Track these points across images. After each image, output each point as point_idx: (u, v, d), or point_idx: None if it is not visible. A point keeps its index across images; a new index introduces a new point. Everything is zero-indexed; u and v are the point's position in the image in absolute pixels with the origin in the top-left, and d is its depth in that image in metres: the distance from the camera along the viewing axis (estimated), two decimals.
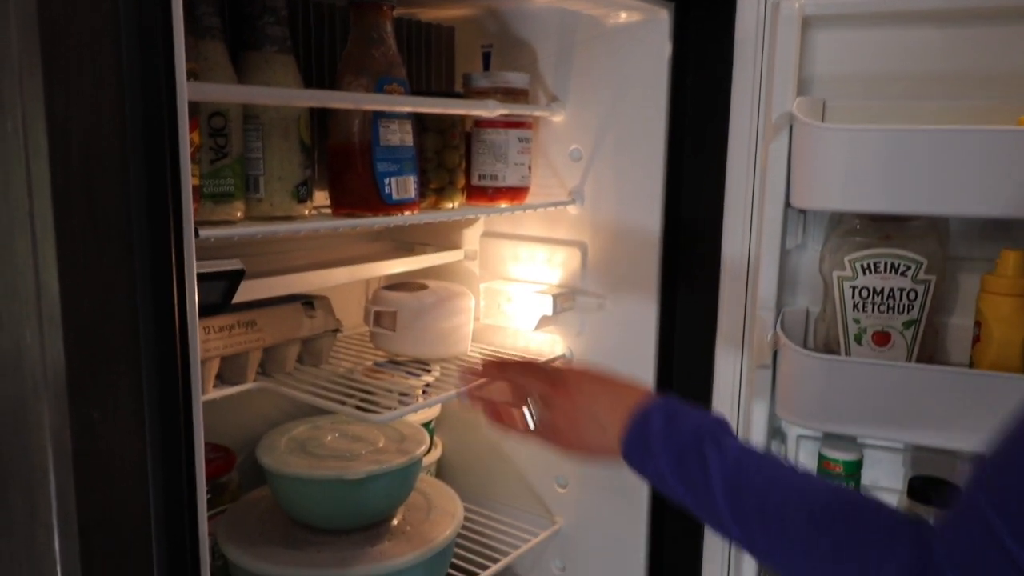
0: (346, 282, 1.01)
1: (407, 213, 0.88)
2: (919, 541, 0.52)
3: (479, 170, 1.03)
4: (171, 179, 0.45)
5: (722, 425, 0.65)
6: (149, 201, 0.44)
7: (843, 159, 0.79)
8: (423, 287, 1.02)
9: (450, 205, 0.99)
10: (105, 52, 0.41)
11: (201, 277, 0.60)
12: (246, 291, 0.87)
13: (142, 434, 0.44)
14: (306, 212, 0.83)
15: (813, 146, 0.81)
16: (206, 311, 0.64)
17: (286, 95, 0.77)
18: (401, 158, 0.87)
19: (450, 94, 1.01)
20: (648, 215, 1.02)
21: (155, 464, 0.45)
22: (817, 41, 0.91)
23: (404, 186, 0.87)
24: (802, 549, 0.56)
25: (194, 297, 0.50)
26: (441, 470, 1.25)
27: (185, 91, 0.49)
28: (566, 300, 1.08)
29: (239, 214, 0.76)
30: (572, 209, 1.09)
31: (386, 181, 0.85)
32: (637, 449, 0.66)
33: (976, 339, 0.84)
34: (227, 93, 0.70)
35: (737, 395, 0.93)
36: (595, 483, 1.10)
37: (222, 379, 0.89)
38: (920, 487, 0.89)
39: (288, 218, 0.81)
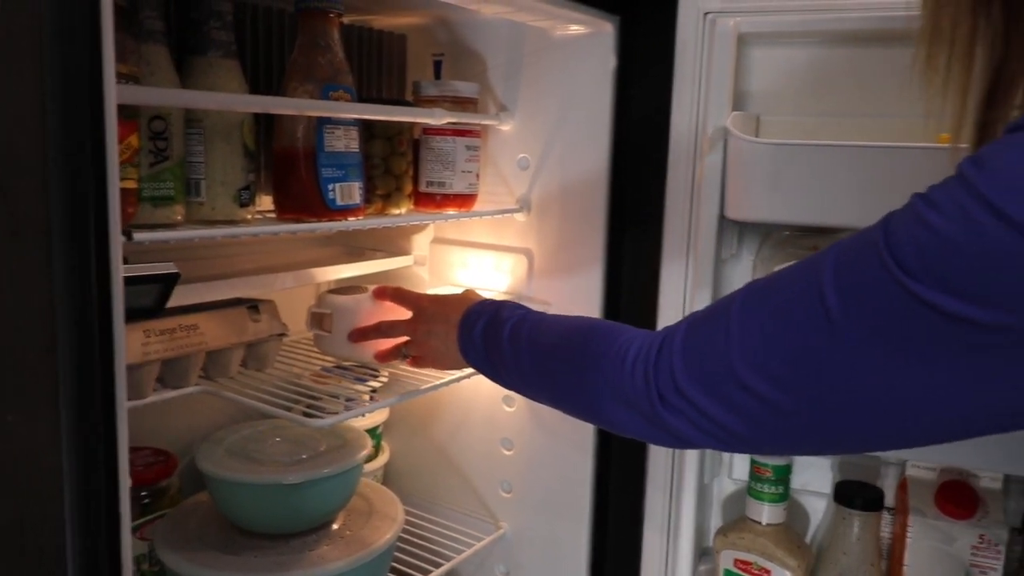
0: (293, 287, 1.01)
1: (352, 219, 0.88)
2: (656, 333, 0.61)
3: (427, 177, 1.04)
4: (94, 181, 0.46)
5: (519, 306, 0.80)
6: (71, 204, 0.44)
7: (771, 172, 0.82)
8: (363, 290, 1.03)
9: (397, 211, 1.00)
10: (25, 52, 0.42)
11: (132, 280, 0.60)
12: (190, 294, 0.87)
13: (58, 440, 0.44)
14: (249, 216, 0.83)
15: (744, 159, 0.84)
16: (139, 315, 0.65)
17: (223, 100, 0.77)
18: (346, 164, 0.88)
19: (397, 101, 1.02)
20: (592, 225, 1.04)
21: (71, 471, 0.45)
22: (753, 57, 0.94)
23: (349, 192, 0.88)
24: (560, 364, 0.69)
25: (120, 301, 0.50)
26: (388, 475, 1.25)
27: (113, 94, 0.49)
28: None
29: (179, 217, 0.76)
30: (519, 217, 1.10)
31: (330, 187, 0.86)
32: (471, 351, 0.80)
33: None
34: (162, 97, 0.70)
35: None
36: (539, 489, 1.12)
37: (163, 382, 0.89)
38: (846, 491, 0.92)
39: (230, 222, 0.81)
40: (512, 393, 1.12)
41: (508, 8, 0.94)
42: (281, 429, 0.96)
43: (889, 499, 0.94)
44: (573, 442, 1.07)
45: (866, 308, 0.46)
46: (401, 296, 0.96)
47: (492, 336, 0.77)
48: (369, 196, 0.95)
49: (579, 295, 1.06)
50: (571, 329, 0.70)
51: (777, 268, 0.89)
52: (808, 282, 0.49)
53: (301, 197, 0.85)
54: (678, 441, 0.58)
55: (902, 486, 0.91)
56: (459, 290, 1.11)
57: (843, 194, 0.81)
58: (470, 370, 0.97)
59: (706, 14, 0.92)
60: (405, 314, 0.94)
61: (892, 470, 0.93)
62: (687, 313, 0.95)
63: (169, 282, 0.62)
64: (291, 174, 0.85)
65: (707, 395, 0.53)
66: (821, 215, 0.82)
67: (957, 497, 0.84)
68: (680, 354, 0.56)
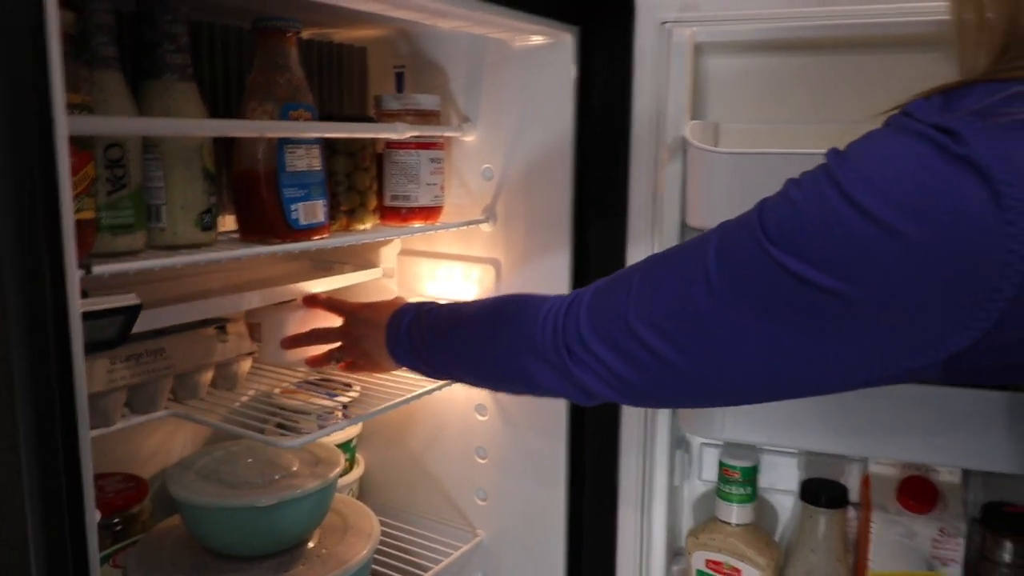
0: (261, 305, 1.01)
1: (316, 238, 0.88)
2: (567, 295, 0.68)
3: (391, 191, 1.04)
4: (47, 217, 0.46)
5: (437, 304, 0.85)
6: (22, 240, 0.44)
7: (729, 181, 0.83)
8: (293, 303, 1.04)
9: (362, 227, 1.00)
10: None
11: (92, 315, 0.60)
12: (156, 318, 0.87)
13: (19, 478, 0.44)
14: (211, 240, 0.83)
15: (702, 168, 0.85)
16: (102, 347, 0.64)
17: (179, 126, 0.77)
18: (309, 183, 0.88)
19: (359, 118, 1.02)
20: (558, 233, 1.05)
21: (35, 511, 0.45)
22: (711, 66, 0.96)
23: (312, 211, 0.88)
24: (481, 343, 0.75)
25: (79, 336, 0.50)
26: (364, 488, 1.26)
27: (64, 126, 0.49)
28: None
29: (140, 245, 0.76)
30: (486, 227, 1.11)
31: (293, 207, 0.86)
32: (399, 348, 0.85)
33: None
34: (116, 126, 0.70)
35: (645, 411, 0.97)
36: (514, 496, 1.13)
37: (131, 407, 0.88)
38: (812, 488, 0.94)
39: (193, 246, 0.80)
40: (485, 402, 1.13)
41: (467, 22, 0.95)
42: (253, 449, 0.96)
43: (854, 495, 0.96)
44: (546, 450, 1.08)
45: (738, 272, 0.53)
46: (331, 303, 1.01)
47: (416, 329, 0.83)
48: (333, 213, 0.95)
49: None
50: (489, 302, 0.78)
51: None
52: (696, 252, 0.57)
53: (264, 218, 0.85)
54: (585, 394, 0.65)
55: (865, 482, 0.93)
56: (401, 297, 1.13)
57: None
58: (443, 381, 0.99)
59: (663, 23, 0.93)
60: (336, 321, 0.99)
61: (856, 467, 0.95)
62: None
63: (131, 314, 0.62)
64: (253, 196, 0.85)
65: (607, 348, 0.61)
66: None
67: (917, 492, 0.86)
68: (586, 311, 0.63)
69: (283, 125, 0.84)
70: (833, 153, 0.51)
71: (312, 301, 1.02)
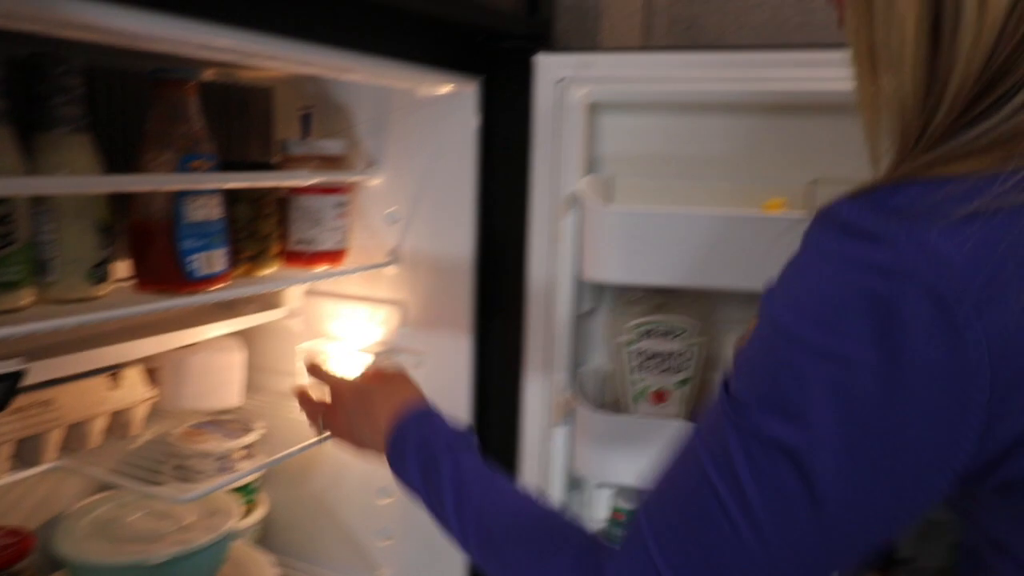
0: (158, 351, 1.00)
1: (215, 287, 0.88)
2: (595, 545, 0.58)
3: (295, 235, 1.05)
4: None
5: (465, 439, 0.73)
6: None
7: (619, 236, 0.87)
8: (218, 343, 1.04)
9: (265, 272, 1.00)
10: None
11: None
12: (44, 370, 0.85)
13: None
14: (103, 292, 0.82)
15: (594, 223, 0.90)
16: None
17: (68, 184, 0.76)
18: (208, 233, 0.87)
19: (261, 165, 1.03)
20: (461, 278, 1.07)
21: None
22: (605, 123, 1.00)
23: (211, 261, 0.88)
24: (501, 560, 0.64)
25: None
26: (267, 528, 1.25)
27: None
28: (384, 359, 1.11)
29: (26, 301, 0.74)
30: (391, 270, 1.12)
31: (191, 258, 0.85)
32: (396, 459, 0.75)
33: None
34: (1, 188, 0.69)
35: (542, 452, 1.00)
36: (417, 535, 1.14)
37: (19, 459, 0.86)
38: None
39: (84, 300, 0.79)
40: None
41: (373, 76, 0.96)
42: (146, 500, 0.95)
43: None
44: None
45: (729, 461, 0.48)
46: (319, 375, 0.91)
47: (431, 481, 0.71)
48: (235, 259, 0.95)
49: (451, 346, 1.09)
50: (542, 517, 0.65)
51: (627, 325, 0.94)
52: (697, 471, 0.50)
53: (160, 270, 0.84)
54: None
55: None
56: (336, 343, 1.13)
57: (687, 257, 0.87)
58: None
59: (559, 81, 0.97)
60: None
61: None
62: (551, 361, 1.00)
63: (12, 381, 0.61)
64: (149, 247, 0.84)
65: None
66: (668, 277, 0.88)
67: None
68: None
69: (181, 178, 0.83)
70: (767, 296, 0.50)
71: (314, 371, 0.92)
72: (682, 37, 1.20)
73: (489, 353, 1.08)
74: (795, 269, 0.48)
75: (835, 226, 0.46)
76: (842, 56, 0.90)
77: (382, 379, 0.84)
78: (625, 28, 1.18)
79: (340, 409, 0.85)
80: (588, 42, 1.08)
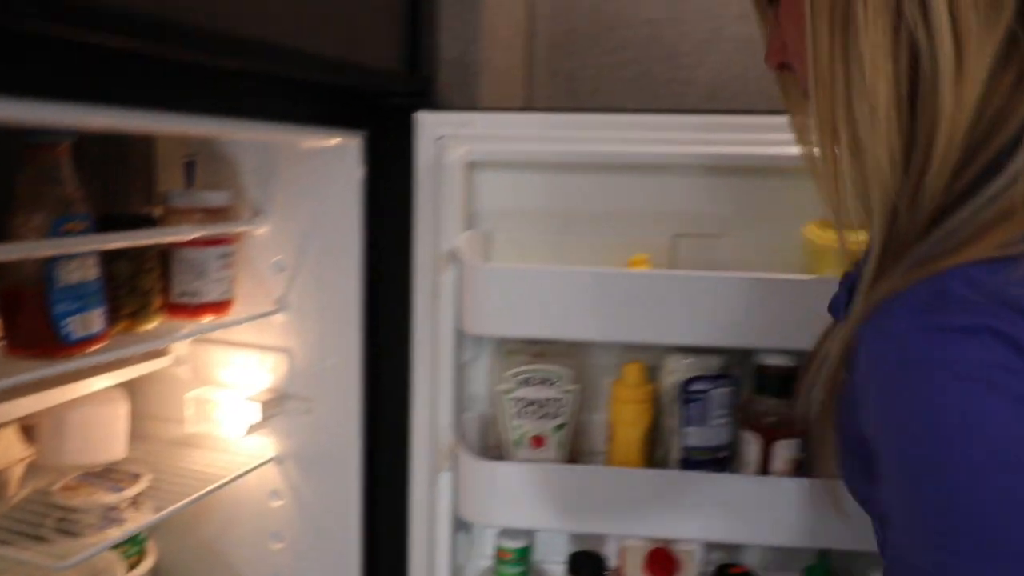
0: (33, 410, 0.98)
1: (92, 349, 0.87)
2: None
3: (179, 288, 1.04)
4: None
5: None
6: None
7: (495, 292, 0.92)
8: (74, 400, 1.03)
9: (147, 327, 1.00)
10: None
11: None
12: None
13: None
14: None
15: (471, 278, 0.94)
16: None
17: None
18: (84, 294, 0.87)
19: (142, 219, 1.02)
20: (349, 326, 1.09)
21: None
22: (484, 179, 1.05)
23: (88, 322, 0.87)
24: None
25: None
26: None
27: None
28: (273, 406, 1.12)
29: None
30: (279, 317, 1.13)
31: (65, 322, 0.84)
32: None
33: (609, 438, 1.02)
34: None
35: (430, 496, 1.04)
36: None
37: None
38: (576, 561, 1.05)
39: None
40: (280, 487, 1.15)
41: (254, 136, 0.98)
42: (19, 561, 0.93)
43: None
44: (339, 533, 1.12)
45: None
46: None
47: None
48: (114, 317, 0.94)
49: (339, 393, 1.11)
50: None
51: (507, 374, 0.99)
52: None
53: (32, 335, 0.84)
54: None
55: (621, 554, 1.05)
56: (225, 391, 1.14)
57: (559, 311, 0.92)
58: (240, 470, 1.02)
59: (439, 138, 1.01)
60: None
61: (613, 541, 1.07)
62: (436, 407, 1.04)
63: None
64: (20, 312, 0.83)
65: None
66: (542, 330, 0.94)
67: (660, 561, 0.99)
68: None
69: (52, 244, 0.83)
70: (892, 449, 0.44)
71: None
72: (562, 88, 1.26)
73: (377, 400, 1.11)
74: (909, 397, 0.43)
75: (932, 331, 0.42)
76: (704, 120, 0.97)
77: None
78: (507, 79, 1.23)
79: None
80: (470, 96, 1.12)
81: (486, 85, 1.17)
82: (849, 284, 0.54)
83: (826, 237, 0.90)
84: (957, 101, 0.45)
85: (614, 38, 1.23)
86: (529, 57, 1.26)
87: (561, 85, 1.26)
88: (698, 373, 0.96)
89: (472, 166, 1.01)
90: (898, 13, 0.46)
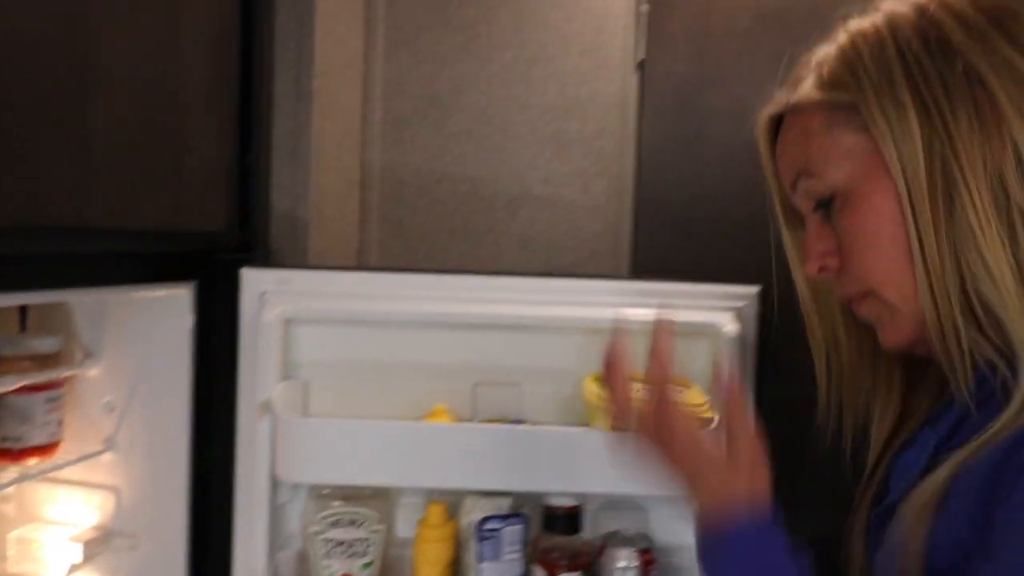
0: None
1: None
2: None
3: (2, 433, 1.08)
4: None
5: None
6: None
7: (301, 443, 1.01)
8: None
9: None
10: None
11: None
12: None
13: None
14: None
15: (280, 431, 1.03)
16: None
17: None
18: None
19: None
20: (176, 467, 1.14)
21: None
22: (301, 333, 1.14)
23: None
24: None
25: None
26: None
27: None
28: (98, 544, 1.15)
29: None
30: (107, 456, 1.17)
31: None
32: (709, 560, 0.67)
33: (414, 574, 1.10)
34: None
35: None
36: None
37: None
38: None
39: None
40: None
41: (83, 297, 1.04)
42: None
43: None
44: None
45: None
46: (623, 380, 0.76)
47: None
48: None
49: (166, 531, 1.15)
50: None
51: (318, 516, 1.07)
52: None
53: None
54: None
55: None
56: (50, 528, 1.14)
57: (360, 460, 1.01)
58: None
59: (262, 294, 1.10)
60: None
61: None
62: (254, 547, 1.10)
63: None
64: None
65: None
66: (347, 477, 1.03)
67: None
68: None
69: None
70: None
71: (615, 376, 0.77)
72: (393, 234, 1.38)
73: (204, 537, 1.15)
74: None
75: None
76: (507, 282, 1.07)
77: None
78: (340, 227, 1.34)
79: (675, 436, 0.70)
80: (301, 246, 1.22)
81: (317, 234, 1.28)
82: (936, 441, 0.70)
83: (597, 395, 1.03)
84: None
85: (439, 191, 1.36)
86: (363, 205, 1.38)
87: (392, 231, 1.38)
88: (491, 512, 1.06)
89: (290, 321, 1.10)
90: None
